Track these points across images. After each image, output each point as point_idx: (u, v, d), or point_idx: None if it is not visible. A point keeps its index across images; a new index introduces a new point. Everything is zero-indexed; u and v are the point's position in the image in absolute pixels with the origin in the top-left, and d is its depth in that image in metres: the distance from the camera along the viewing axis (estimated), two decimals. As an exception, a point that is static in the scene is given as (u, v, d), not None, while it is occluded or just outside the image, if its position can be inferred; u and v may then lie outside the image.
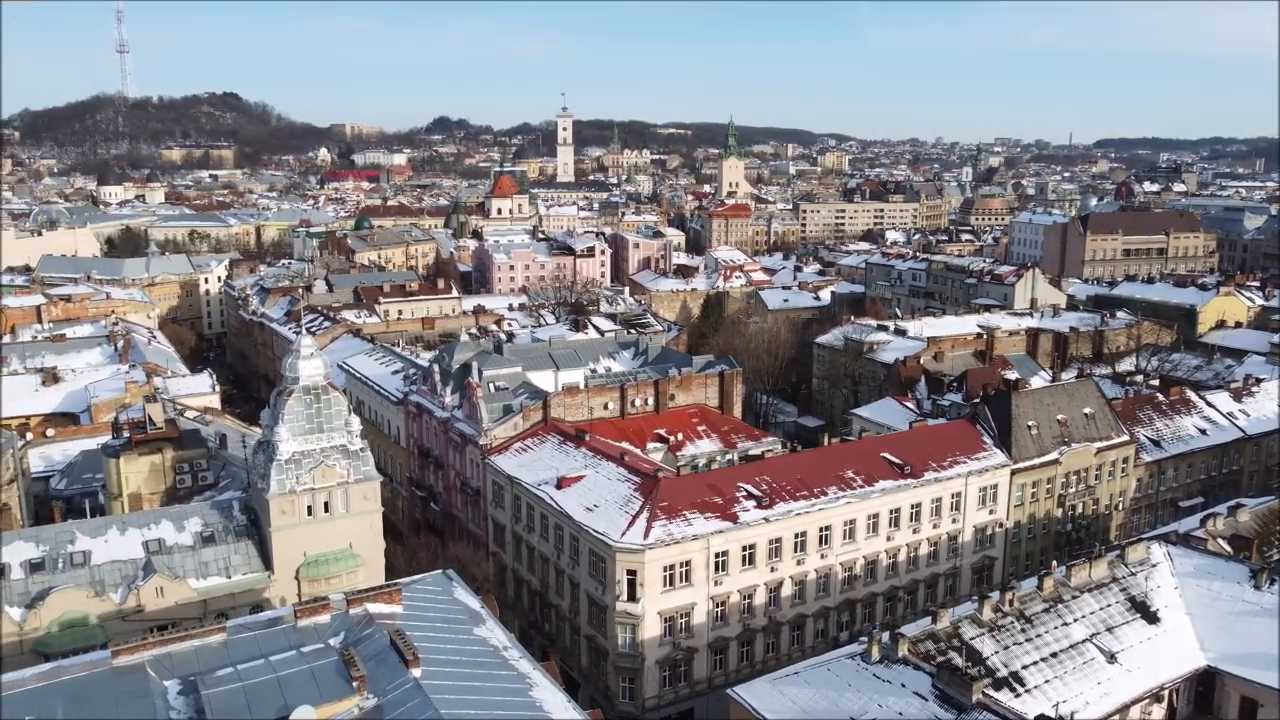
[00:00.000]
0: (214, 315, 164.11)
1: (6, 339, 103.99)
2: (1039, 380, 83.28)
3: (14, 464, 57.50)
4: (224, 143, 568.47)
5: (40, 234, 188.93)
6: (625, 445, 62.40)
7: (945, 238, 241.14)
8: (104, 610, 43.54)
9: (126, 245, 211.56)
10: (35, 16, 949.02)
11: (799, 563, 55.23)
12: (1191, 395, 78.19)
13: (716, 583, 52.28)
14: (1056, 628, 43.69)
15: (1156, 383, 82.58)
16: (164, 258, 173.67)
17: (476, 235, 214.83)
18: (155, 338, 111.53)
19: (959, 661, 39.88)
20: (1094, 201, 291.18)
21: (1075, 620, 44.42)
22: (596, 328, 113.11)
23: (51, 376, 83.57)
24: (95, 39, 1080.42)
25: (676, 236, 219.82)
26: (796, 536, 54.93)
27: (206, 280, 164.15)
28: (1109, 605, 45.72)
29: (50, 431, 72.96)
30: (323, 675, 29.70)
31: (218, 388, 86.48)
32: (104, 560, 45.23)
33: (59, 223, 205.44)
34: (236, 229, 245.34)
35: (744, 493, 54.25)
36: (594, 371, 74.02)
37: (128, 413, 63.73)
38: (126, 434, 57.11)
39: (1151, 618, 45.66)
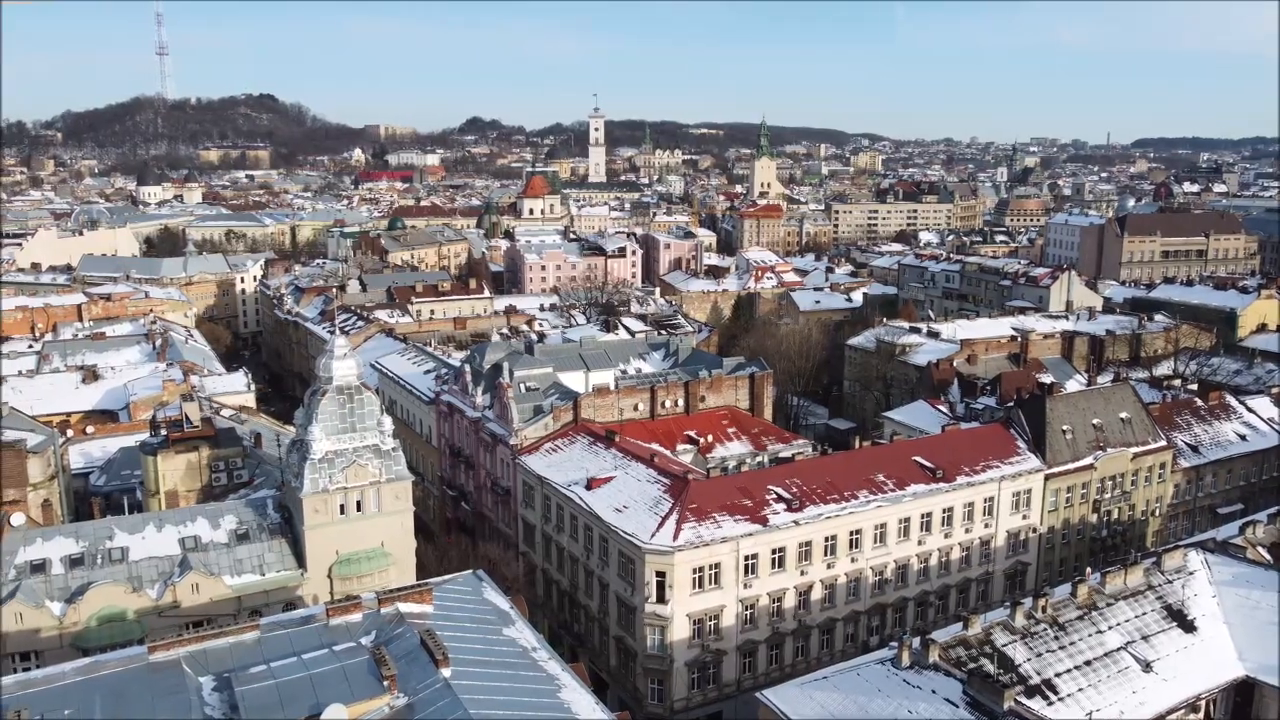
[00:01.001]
0: (249, 314, 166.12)
1: (48, 337, 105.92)
2: (1074, 384, 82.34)
3: (55, 460, 58.61)
4: (260, 143, 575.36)
5: (81, 234, 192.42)
6: (655, 447, 62.42)
7: (979, 239, 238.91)
8: (141, 606, 44.21)
9: (165, 245, 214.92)
10: (77, 19, 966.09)
11: (829, 566, 54.98)
12: (1231, 400, 76.92)
13: (746, 585, 52.17)
14: (1091, 635, 43.14)
15: (1195, 387, 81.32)
16: (201, 257, 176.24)
17: (508, 235, 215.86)
18: (192, 336, 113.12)
19: (991, 668, 39.51)
20: (1132, 202, 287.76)
21: (1110, 628, 43.82)
22: (627, 328, 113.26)
23: (91, 374, 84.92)
24: (135, 41, 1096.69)
25: (708, 237, 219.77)
26: (827, 540, 54.68)
27: (242, 279, 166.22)
28: (1145, 613, 45.06)
29: (90, 429, 74.24)
30: (354, 674, 30.00)
31: (253, 386, 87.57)
32: (141, 556, 45.92)
33: (99, 222, 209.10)
34: (272, 229, 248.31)
35: (774, 495, 54.09)
36: (624, 372, 74.11)
37: (165, 411, 64.80)
38: (164, 432, 58.01)
39: (1188, 626, 44.97)
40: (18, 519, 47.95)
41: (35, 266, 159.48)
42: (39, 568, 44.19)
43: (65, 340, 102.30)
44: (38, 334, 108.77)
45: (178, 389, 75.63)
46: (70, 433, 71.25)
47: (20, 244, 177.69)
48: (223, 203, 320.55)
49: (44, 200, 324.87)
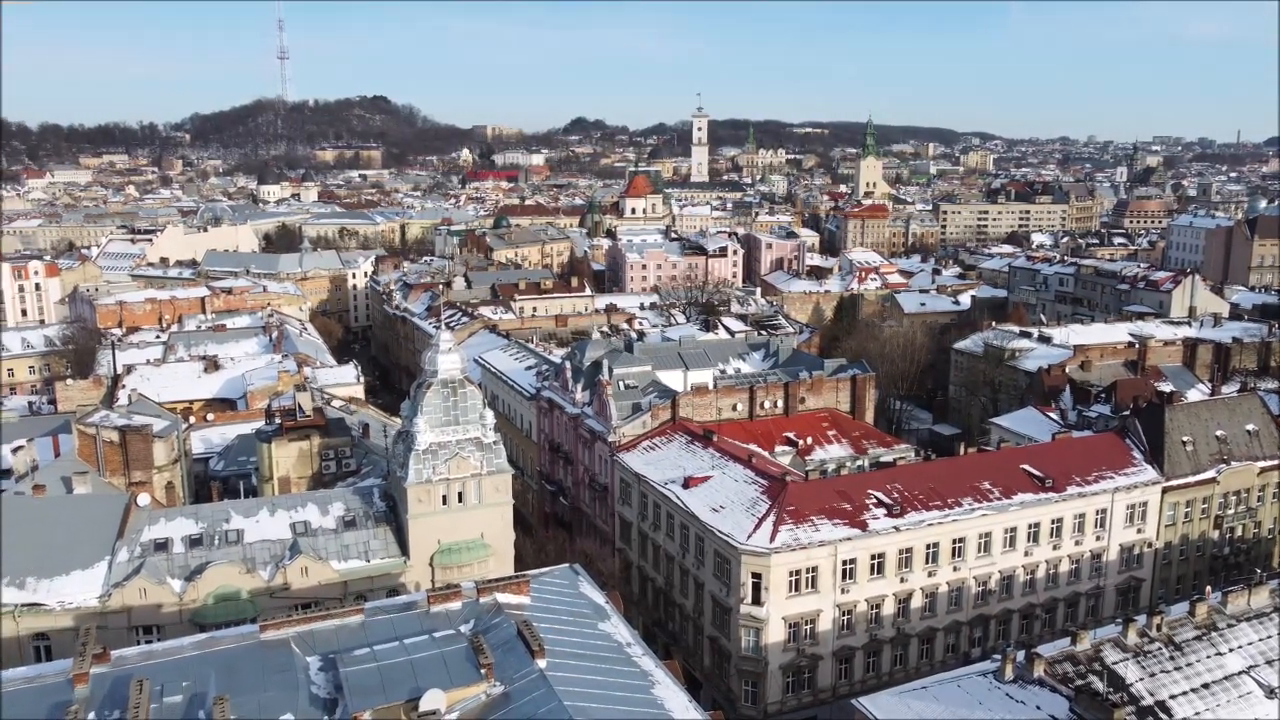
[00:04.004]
0: (360, 309, 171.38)
1: (174, 328, 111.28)
2: (1196, 393, 78.50)
3: (178, 445, 61.47)
4: (373, 144, 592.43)
5: (206, 230, 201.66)
6: (753, 447, 62.00)
7: (1096, 241, 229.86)
8: (254, 586, 45.98)
9: (282, 241, 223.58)
10: (206, 27, 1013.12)
11: (930, 574, 53.72)
12: (1370, 414, 72.13)
13: (843, 590, 51.37)
14: (1209, 657, 41.03)
15: (1330, 399, 76.51)
16: (315, 254, 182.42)
17: (610, 234, 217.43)
18: (306, 329, 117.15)
19: (1100, 686, 37.97)
20: (1263, 204, 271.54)
21: (1231, 650, 41.61)
22: (727, 328, 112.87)
23: (212, 364, 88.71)
24: (259, 47, 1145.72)
25: (811, 237, 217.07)
26: (928, 547, 53.46)
27: (353, 275, 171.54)
28: (1270, 636, 42.63)
29: (210, 416, 77.59)
30: (453, 660, 30.61)
31: (362, 379, 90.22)
32: (255, 539, 47.77)
33: (222, 220, 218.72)
34: (382, 226, 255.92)
35: (874, 500, 53.13)
36: (723, 372, 73.84)
37: (280, 400, 67.15)
38: (278, 420, 60.16)
39: (1318, 652, 42.38)
40: (144, 499, 50.53)
41: (164, 261, 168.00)
42: (162, 546, 46.42)
43: (189, 331, 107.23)
44: (164, 325, 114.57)
45: (292, 380, 78.39)
46: (192, 419, 74.53)
47: (151, 240, 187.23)
48: (336, 201, 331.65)
49: (173, 198, 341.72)
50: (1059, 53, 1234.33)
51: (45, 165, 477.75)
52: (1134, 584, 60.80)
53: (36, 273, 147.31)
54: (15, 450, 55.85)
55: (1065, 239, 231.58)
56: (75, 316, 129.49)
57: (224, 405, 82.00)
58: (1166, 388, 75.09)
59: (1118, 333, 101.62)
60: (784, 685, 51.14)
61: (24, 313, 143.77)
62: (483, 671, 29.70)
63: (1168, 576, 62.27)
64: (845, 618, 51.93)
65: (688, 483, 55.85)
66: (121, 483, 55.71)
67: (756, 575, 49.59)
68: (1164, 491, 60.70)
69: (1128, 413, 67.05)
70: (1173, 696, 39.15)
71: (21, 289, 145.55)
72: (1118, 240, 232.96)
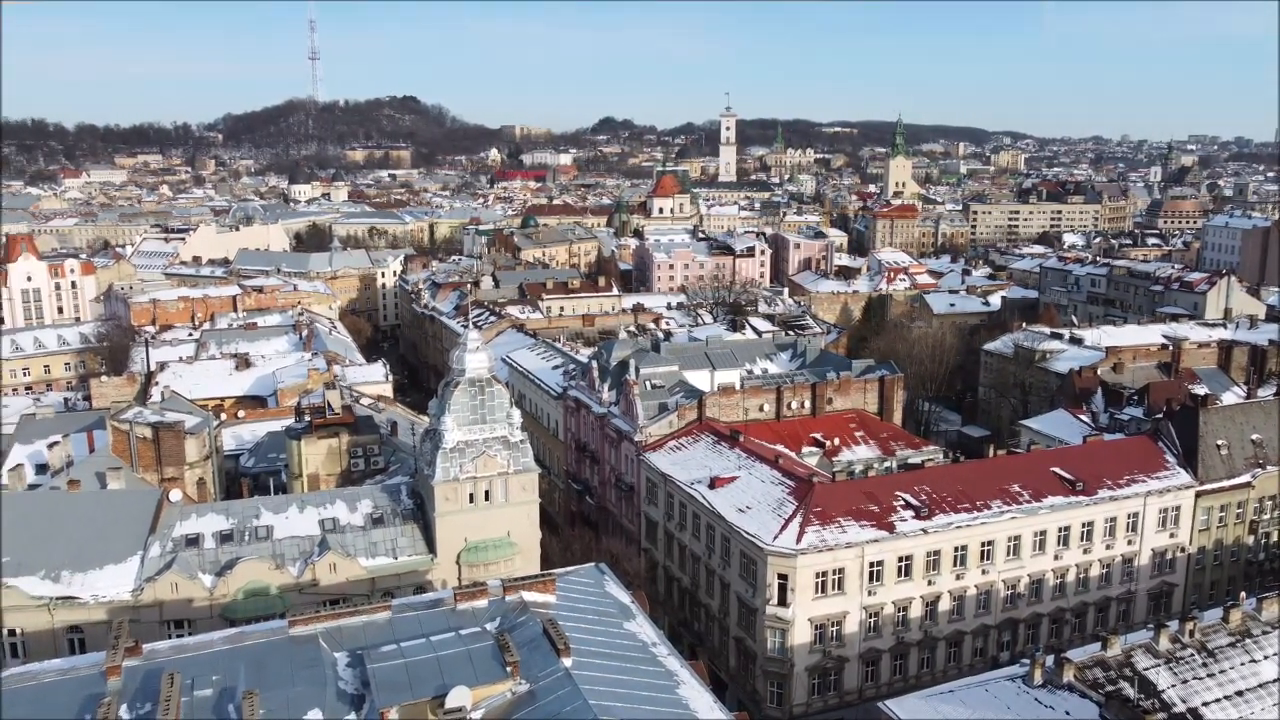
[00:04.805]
0: (389, 308, 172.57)
1: (206, 326, 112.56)
2: (1231, 396, 77.32)
3: (209, 442, 62.16)
4: (402, 144, 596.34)
5: (238, 229, 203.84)
6: (780, 448, 61.78)
7: (1129, 242, 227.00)
8: (283, 582, 46.37)
9: (312, 240, 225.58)
10: (239, 29, 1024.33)
11: (958, 577, 53.31)
12: None
13: (870, 593, 51.09)
14: (1243, 664, 40.42)
15: (1370, 403, 75.04)
16: (345, 253, 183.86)
17: (638, 234, 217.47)
18: (335, 328, 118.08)
19: (1130, 692, 37.52)
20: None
21: (1266, 658, 40.96)
22: (754, 328, 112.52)
23: (244, 362, 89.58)
24: (290, 48, 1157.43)
25: (839, 237, 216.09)
26: (956, 550, 53.06)
27: (383, 274, 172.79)
28: (1306, 644, 41.98)
29: (241, 413, 78.37)
30: (479, 658, 30.73)
31: (390, 377, 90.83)
32: (284, 535, 48.19)
33: (254, 219, 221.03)
34: (411, 226, 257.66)
35: (902, 502, 52.79)
36: (750, 372, 73.65)
37: (309, 398, 67.74)
38: (308, 418, 60.68)
39: (1356, 661, 41.62)
40: (175, 495, 51.15)
41: (196, 260, 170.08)
42: (193, 541, 46.98)
43: (221, 329, 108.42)
44: (197, 323, 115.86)
45: (321, 378, 79.06)
46: (223, 416, 75.31)
47: (184, 239, 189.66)
48: (366, 201, 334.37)
49: (205, 198, 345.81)
50: (1092, 51, 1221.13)
51: (82, 165, 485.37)
52: (1166, 589, 60.01)
53: (73, 271, 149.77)
54: (51, 446, 56.78)
55: (1098, 239, 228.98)
56: (110, 314, 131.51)
57: (254, 402, 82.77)
58: (1201, 390, 74.02)
59: (1151, 334, 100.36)
60: (809, 687, 50.95)
61: (60, 310, 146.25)
62: (508, 669, 29.80)
63: (1201, 582, 61.40)
64: (872, 620, 51.65)
65: (714, 483, 55.77)
66: (154, 478, 56.41)
67: (782, 576, 49.44)
68: (1197, 495, 59.86)
69: (1161, 415, 66.16)
70: (1205, 704, 38.64)
71: (58, 287, 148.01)
72: (1151, 241, 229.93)
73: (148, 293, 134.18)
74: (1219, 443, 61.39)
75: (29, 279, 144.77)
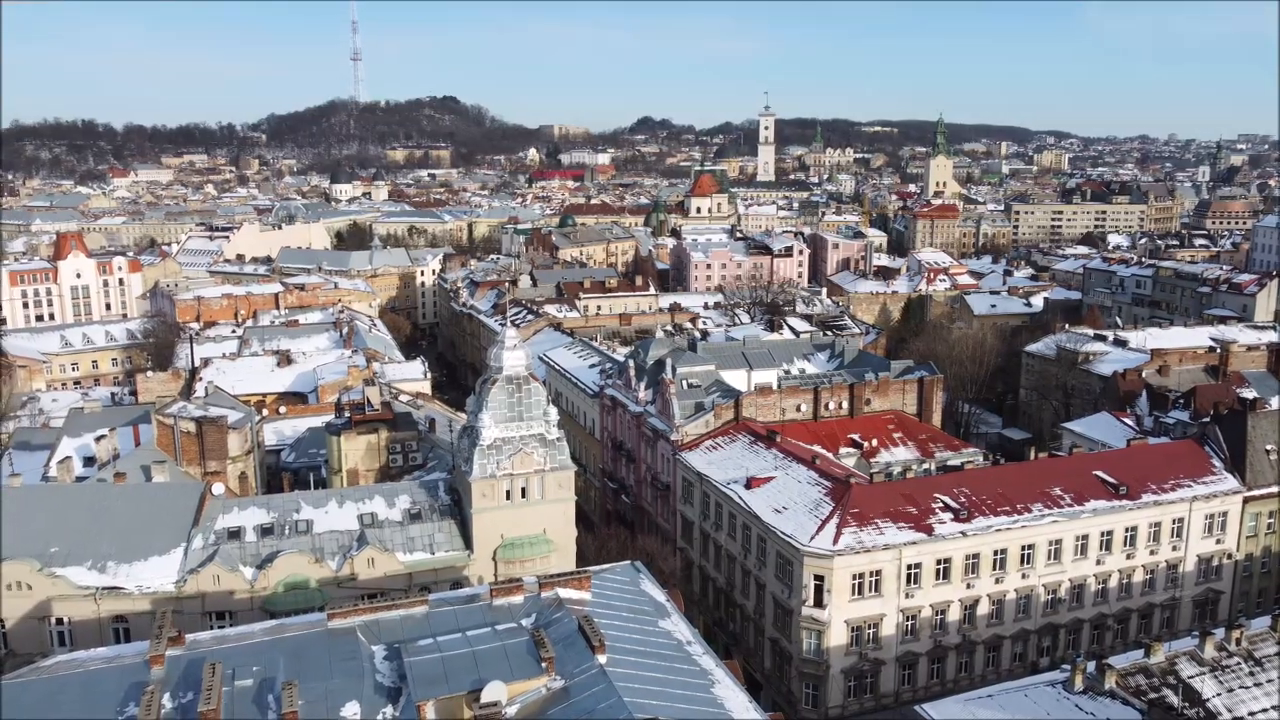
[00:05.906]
0: (428, 306, 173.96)
1: (249, 323, 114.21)
2: (1281, 400, 75.57)
3: (251, 437, 63.06)
4: (442, 143, 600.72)
5: (280, 228, 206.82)
6: (817, 449, 61.43)
7: (1176, 242, 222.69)
8: (322, 575, 47.01)
9: (353, 239, 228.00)
10: (282, 30, 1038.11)
11: (998, 581, 52.67)
12: None
13: (908, 595, 50.65)
14: (1292, 674, 39.58)
15: None
16: (385, 251, 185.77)
17: (675, 234, 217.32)
18: (375, 326, 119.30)
19: (1174, 700, 36.87)
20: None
21: (1315, 667, 40.08)
22: (791, 328, 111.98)
23: (285, 358, 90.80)
24: (333, 49, 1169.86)
25: (878, 237, 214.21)
26: (996, 554, 52.41)
27: (422, 273, 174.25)
28: (1357, 654, 40.97)
29: (283, 409, 79.38)
30: (514, 653, 30.88)
31: (429, 374, 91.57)
32: (324, 530, 48.81)
33: (296, 218, 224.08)
34: (450, 225, 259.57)
35: (941, 504, 52.26)
36: (787, 372, 73.31)
37: (349, 394, 68.43)
38: (347, 414, 61.36)
39: None
40: (218, 488, 51.99)
41: (240, 258, 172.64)
42: (235, 534, 47.71)
43: (263, 326, 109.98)
44: (240, 320, 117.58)
45: (361, 374, 79.85)
46: (265, 412, 76.35)
47: (228, 237, 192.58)
48: (406, 200, 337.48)
49: (249, 197, 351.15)
50: (1137, 50, 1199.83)
51: (130, 165, 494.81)
52: (1212, 596, 58.87)
53: (120, 268, 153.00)
54: (98, 439, 57.96)
55: (1143, 240, 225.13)
56: (156, 311, 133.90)
57: (295, 398, 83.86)
58: (1249, 394, 72.44)
59: (1198, 337, 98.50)
60: (845, 689, 50.61)
61: (108, 307, 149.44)
62: (543, 665, 29.93)
63: (1248, 589, 60.14)
64: (909, 623, 51.19)
65: (750, 483, 55.58)
66: (197, 472, 57.37)
67: (819, 577, 49.15)
68: (1245, 501, 58.63)
69: (1207, 419, 64.89)
70: (1251, 714, 37.87)
71: (106, 284, 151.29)
72: (1199, 242, 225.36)
73: (192, 290, 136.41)
74: (1268, 448, 60.06)
75: (78, 276, 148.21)
